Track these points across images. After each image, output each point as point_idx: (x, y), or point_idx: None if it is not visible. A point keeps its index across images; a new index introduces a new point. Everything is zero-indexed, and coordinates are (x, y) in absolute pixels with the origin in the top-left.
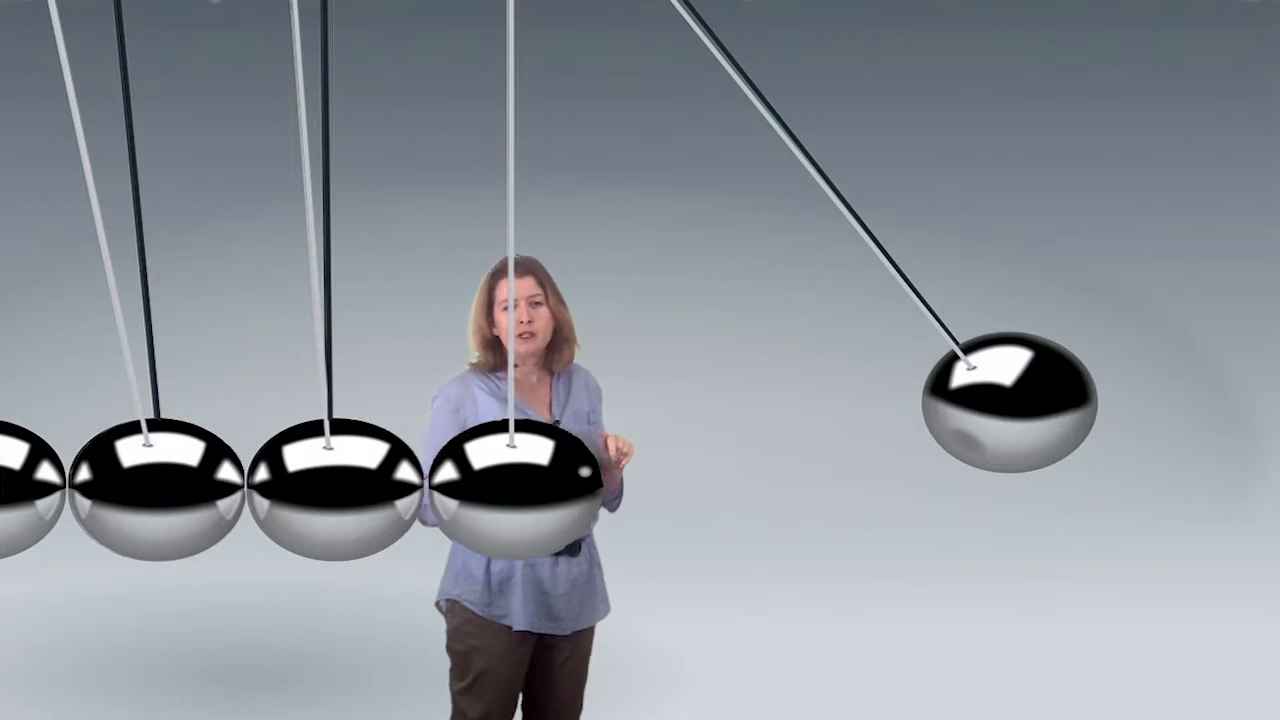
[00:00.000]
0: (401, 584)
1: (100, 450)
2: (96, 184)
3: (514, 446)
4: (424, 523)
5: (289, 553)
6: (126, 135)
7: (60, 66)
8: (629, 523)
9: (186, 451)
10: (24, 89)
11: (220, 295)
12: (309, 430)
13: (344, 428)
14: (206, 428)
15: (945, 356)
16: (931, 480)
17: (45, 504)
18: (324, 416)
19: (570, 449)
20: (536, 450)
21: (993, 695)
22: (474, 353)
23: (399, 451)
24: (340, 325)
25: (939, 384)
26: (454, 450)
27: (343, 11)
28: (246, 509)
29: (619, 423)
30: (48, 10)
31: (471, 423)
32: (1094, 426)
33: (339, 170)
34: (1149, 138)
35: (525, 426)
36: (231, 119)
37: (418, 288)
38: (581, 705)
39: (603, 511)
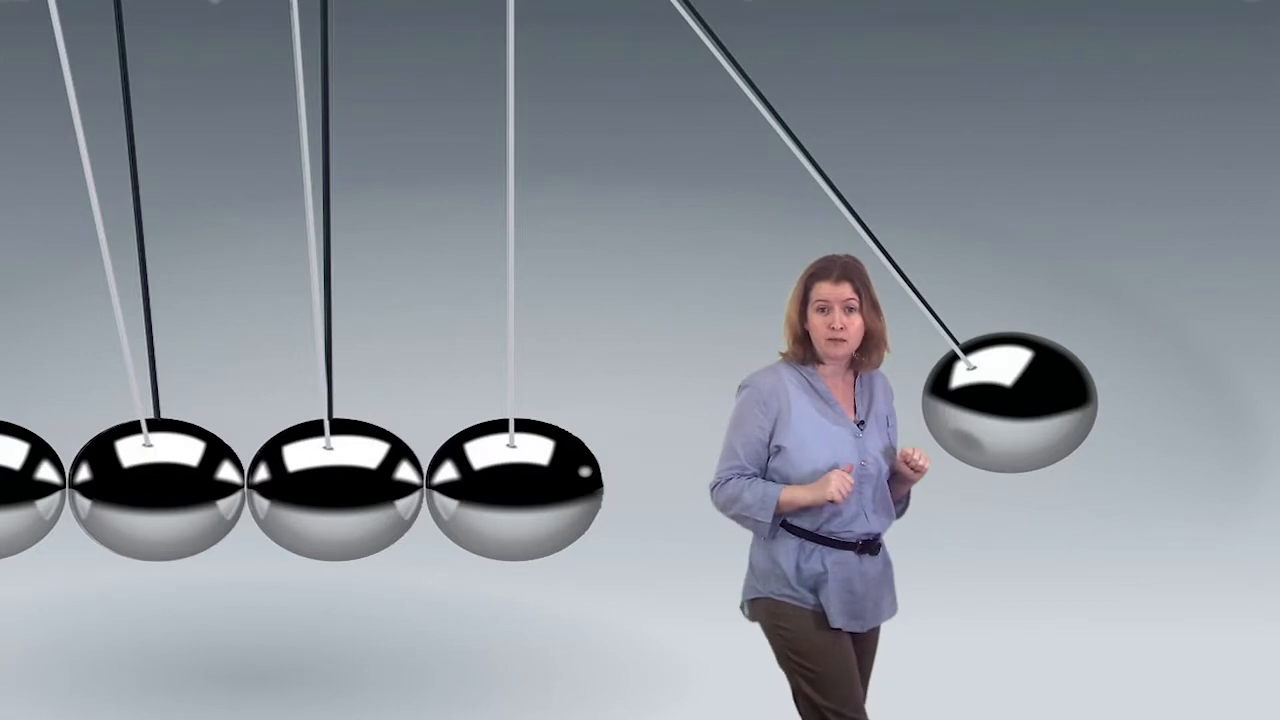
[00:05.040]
0: (402, 584)
1: (100, 450)
2: (96, 184)
3: (514, 446)
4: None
5: (289, 553)
6: (126, 135)
7: (60, 66)
8: (628, 522)
9: (186, 451)
10: (24, 89)
11: (220, 295)
12: (309, 430)
13: (344, 428)
14: (206, 428)
15: (945, 356)
16: (932, 480)
17: (45, 504)
18: (324, 416)
19: (570, 449)
20: (536, 450)
21: (992, 695)
22: (785, 344)
23: (399, 451)
24: (340, 325)
25: (939, 384)
26: (454, 450)
27: (342, 11)
28: (246, 509)
29: (623, 421)
30: (48, 10)
31: (783, 415)
32: (1094, 426)
33: (339, 170)
34: (1149, 137)
35: (526, 426)
36: (231, 119)
37: (418, 288)
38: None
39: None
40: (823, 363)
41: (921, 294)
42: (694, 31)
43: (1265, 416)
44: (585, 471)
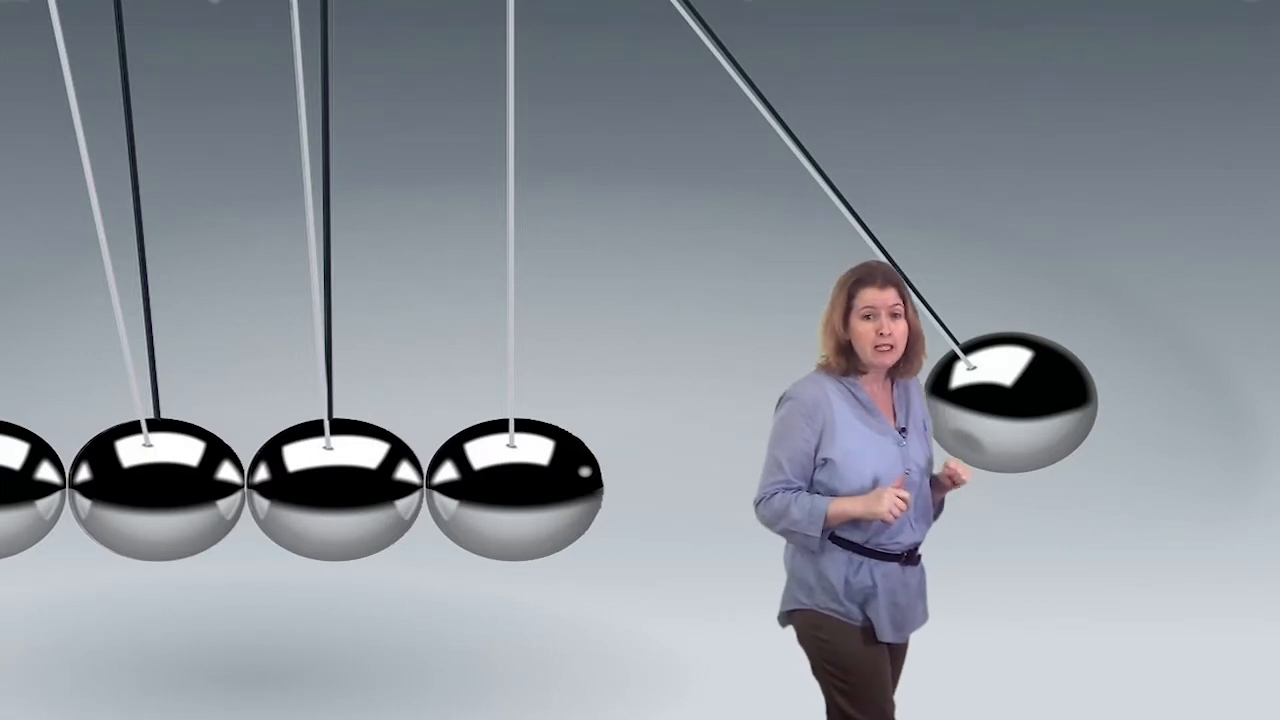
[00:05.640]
0: (402, 584)
1: (100, 450)
2: (97, 184)
3: (514, 446)
4: (765, 520)
5: (289, 553)
6: (126, 135)
7: (60, 66)
8: (628, 522)
9: (186, 451)
10: (24, 89)
11: (220, 295)
12: (309, 430)
13: (344, 428)
14: (206, 428)
15: (945, 356)
16: None
17: (45, 504)
18: (324, 416)
19: (570, 449)
20: (536, 450)
21: (992, 694)
22: (822, 354)
23: (399, 451)
24: (340, 325)
25: (939, 384)
26: (454, 450)
27: (342, 11)
28: (246, 509)
29: (623, 421)
30: (48, 10)
31: (829, 427)
32: (1094, 426)
33: (339, 170)
34: (1149, 137)
35: (526, 426)
36: (231, 119)
37: (418, 288)
38: None
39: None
40: (865, 372)
41: (921, 294)
42: (694, 31)
43: (1265, 416)
44: (585, 471)
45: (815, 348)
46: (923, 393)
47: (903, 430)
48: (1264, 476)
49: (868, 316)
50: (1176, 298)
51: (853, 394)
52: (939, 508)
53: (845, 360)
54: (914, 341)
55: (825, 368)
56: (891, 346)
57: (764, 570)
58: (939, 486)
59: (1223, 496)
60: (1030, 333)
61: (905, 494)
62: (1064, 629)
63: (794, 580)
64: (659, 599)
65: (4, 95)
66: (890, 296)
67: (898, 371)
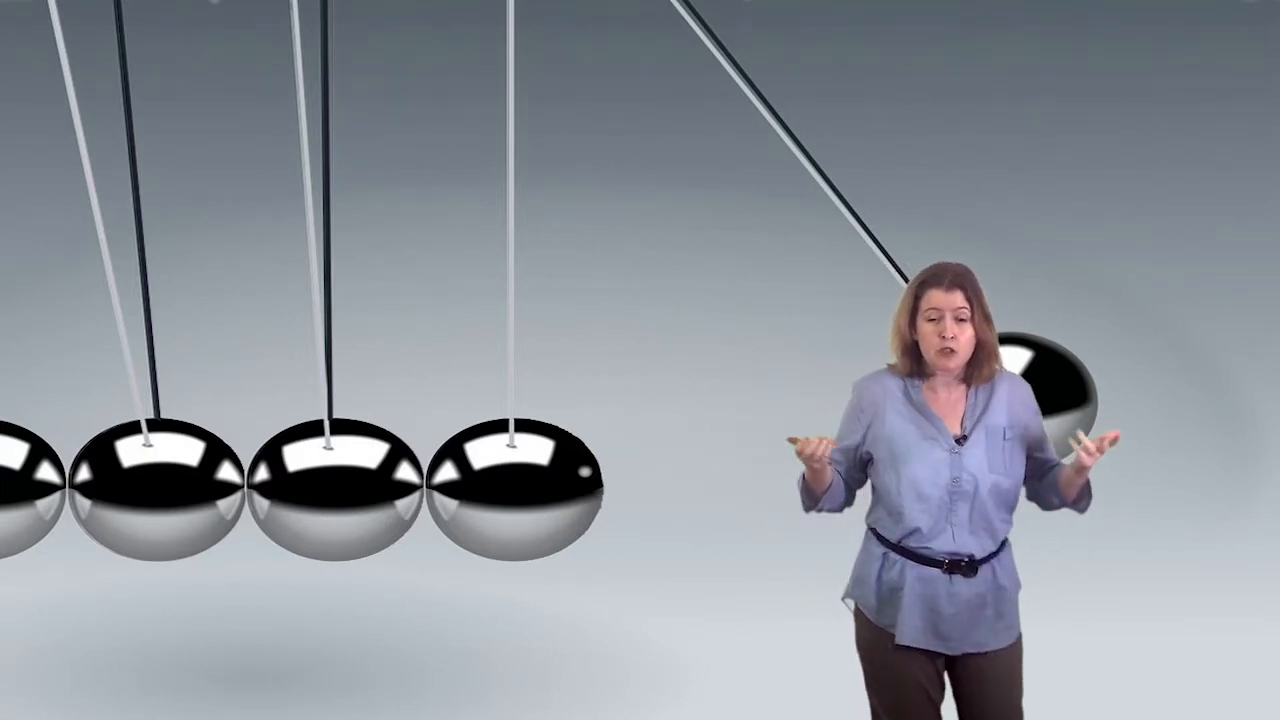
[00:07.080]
0: (402, 584)
1: (100, 450)
2: (97, 184)
3: (514, 446)
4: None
5: (289, 553)
6: (126, 135)
7: (60, 66)
8: (628, 522)
9: (186, 451)
10: (24, 89)
11: (220, 295)
12: (309, 430)
13: (344, 428)
14: (206, 428)
15: None
16: None
17: (45, 504)
18: (324, 416)
19: (570, 449)
20: (536, 450)
21: None
22: (892, 354)
23: (399, 451)
24: (340, 325)
25: None
26: (454, 450)
27: (342, 11)
28: (246, 509)
29: (622, 421)
30: (48, 10)
31: (875, 426)
32: (1094, 426)
33: (339, 170)
34: (1149, 137)
35: (526, 426)
36: (231, 119)
37: (418, 288)
38: None
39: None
40: (932, 374)
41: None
42: (694, 31)
43: (1265, 416)
44: (585, 471)
45: (817, 348)
46: (1017, 395)
47: (963, 438)
48: (1264, 476)
49: (933, 319)
50: (1176, 298)
51: (909, 396)
52: (1082, 492)
53: (911, 363)
54: (982, 347)
55: (894, 368)
56: (954, 351)
57: (764, 570)
58: (1075, 470)
59: (1223, 496)
60: (1030, 333)
61: (810, 445)
62: (1063, 629)
63: (852, 571)
64: (659, 599)
65: (4, 95)
66: (956, 299)
67: (969, 377)
